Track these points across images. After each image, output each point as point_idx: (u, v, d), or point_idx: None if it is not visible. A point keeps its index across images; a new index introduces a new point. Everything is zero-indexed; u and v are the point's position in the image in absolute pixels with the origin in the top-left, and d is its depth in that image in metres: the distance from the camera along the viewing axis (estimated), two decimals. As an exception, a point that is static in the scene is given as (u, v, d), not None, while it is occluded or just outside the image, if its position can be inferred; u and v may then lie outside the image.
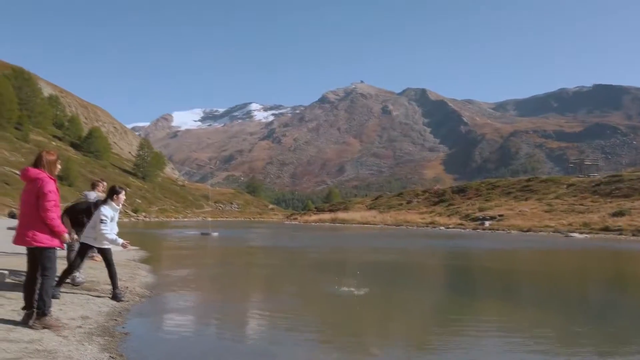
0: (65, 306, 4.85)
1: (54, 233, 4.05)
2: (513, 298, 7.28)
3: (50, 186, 4.07)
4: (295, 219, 73.68)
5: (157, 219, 67.42)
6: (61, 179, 66.92)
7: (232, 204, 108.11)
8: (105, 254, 5.57)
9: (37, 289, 4.00)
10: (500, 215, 35.40)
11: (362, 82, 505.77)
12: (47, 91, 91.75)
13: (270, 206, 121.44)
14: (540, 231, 28.46)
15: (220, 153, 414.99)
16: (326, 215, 61.98)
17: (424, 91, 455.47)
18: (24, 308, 4.10)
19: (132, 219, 61.01)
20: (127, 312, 5.00)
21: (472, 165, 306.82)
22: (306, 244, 20.62)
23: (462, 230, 33.10)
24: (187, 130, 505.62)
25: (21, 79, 76.97)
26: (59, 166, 4.27)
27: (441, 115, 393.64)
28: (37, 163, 4.17)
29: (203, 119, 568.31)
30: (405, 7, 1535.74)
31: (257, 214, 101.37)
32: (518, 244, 20.33)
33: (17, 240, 4.05)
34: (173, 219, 70.94)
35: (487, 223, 34.36)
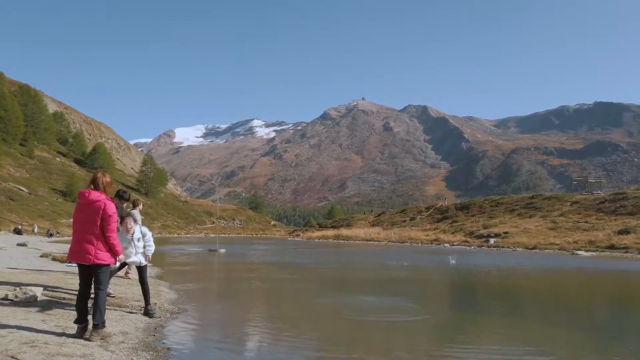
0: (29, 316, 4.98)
1: (113, 252, 4.29)
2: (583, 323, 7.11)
3: (113, 208, 4.33)
4: (298, 235, 73.59)
5: (159, 235, 67.42)
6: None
7: (234, 220, 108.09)
8: (142, 271, 5.78)
9: (92, 303, 4.26)
10: (505, 233, 35.42)
11: (363, 98, 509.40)
12: (52, 108, 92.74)
13: (273, 222, 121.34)
14: (546, 249, 28.47)
15: (222, 169, 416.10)
16: (329, 232, 61.91)
17: (425, 108, 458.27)
18: (76, 321, 4.29)
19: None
20: (162, 328, 5.15)
21: (474, 182, 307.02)
22: (321, 260, 20.70)
23: (467, 248, 33.10)
24: (190, 146, 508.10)
25: (27, 96, 77.91)
26: (110, 190, 4.52)
27: (442, 132, 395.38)
28: (96, 185, 4.38)
29: (205, 135, 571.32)
30: (407, 25, 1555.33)
31: (260, 230, 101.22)
32: (534, 260, 20.39)
33: (75, 257, 4.28)
34: (175, 235, 70.95)
35: (492, 240, 34.37)
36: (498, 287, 11.71)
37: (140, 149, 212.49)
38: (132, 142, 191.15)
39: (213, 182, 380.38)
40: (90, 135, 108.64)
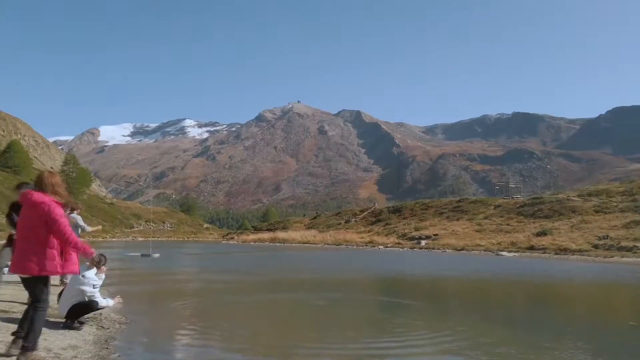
0: (48, 335, 4.68)
1: (87, 254, 3.98)
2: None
3: (61, 211, 3.83)
4: (232, 238, 72.39)
5: (82, 239, 63.38)
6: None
7: (164, 223, 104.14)
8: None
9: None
10: (435, 235, 37.13)
11: (299, 101, 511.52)
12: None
13: (205, 225, 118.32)
14: (473, 250, 30.21)
15: (151, 170, 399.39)
16: (265, 235, 61.55)
17: (359, 113, 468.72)
18: (14, 333, 3.92)
19: (56, 239, 57.05)
20: (113, 339, 4.90)
21: (404, 186, 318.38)
22: (266, 265, 20.51)
23: (400, 249, 34.32)
24: (116, 146, 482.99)
25: None
26: (62, 191, 3.95)
27: (375, 137, 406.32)
28: (41, 186, 3.89)
29: (133, 134, 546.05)
30: (341, 28, 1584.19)
31: (192, 233, 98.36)
32: (462, 264, 21.46)
33: (18, 269, 3.82)
34: (101, 239, 67.11)
35: (423, 242, 35.91)
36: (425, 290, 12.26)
37: (60, 147, 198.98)
38: (51, 139, 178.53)
39: (141, 184, 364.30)
40: (4, 131, 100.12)
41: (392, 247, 36.79)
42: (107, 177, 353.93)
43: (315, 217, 74.60)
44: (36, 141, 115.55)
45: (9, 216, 6.19)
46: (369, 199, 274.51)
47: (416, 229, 40.87)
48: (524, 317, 7.96)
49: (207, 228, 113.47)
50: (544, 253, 25.90)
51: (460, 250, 30.60)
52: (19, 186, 6.31)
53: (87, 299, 5.67)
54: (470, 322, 6.90)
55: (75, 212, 7.84)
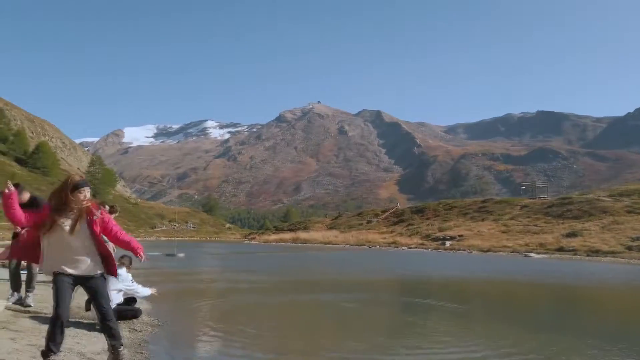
0: (81, 338, 4.60)
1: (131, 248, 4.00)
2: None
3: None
4: (254, 238, 72.75)
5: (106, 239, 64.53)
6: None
7: (187, 223, 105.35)
8: None
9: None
10: (460, 236, 36.50)
11: (319, 102, 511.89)
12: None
13: (227, 225, 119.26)
14: (500, 251, 29.55)
15: (173, 170, 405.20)
16: (286, 235, 61.62)
17: (379, 112, 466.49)
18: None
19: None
20: (147, 343, 4.78)
21: (425, 186, 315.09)
22: (290, 265, 20.41)
23: (425, 250, 33.84)
24: (139, 147, 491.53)
25: (-37, 90, 72.65)
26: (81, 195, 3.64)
27: (395, 137, 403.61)
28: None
29: (156, 136, 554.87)
30: (362, 27, 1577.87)
31: (214, 233, 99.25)
32: (490, 265, 20.97)
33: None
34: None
35: (447, 243, 35.33)
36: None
37: (86, 149, 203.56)
38: (77, 141, 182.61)
39: (164, 184, 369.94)
40: (33, 133, 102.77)
41: (415, 247, 36.31)
42: (131, 178, 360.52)
43: (336, 218, 74.38)
44: (63, 143, 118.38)
45: None
46: (389, 199, 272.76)
47: (440, 230, 40.28)
48: (575, 323, 7.52)
49: (229, 228, 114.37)
50: (574, 255, 25.14)
51: (487, 251, 29.97)
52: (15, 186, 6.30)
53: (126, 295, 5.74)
54: (516, 328, 6.59)
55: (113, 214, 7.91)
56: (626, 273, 16.78)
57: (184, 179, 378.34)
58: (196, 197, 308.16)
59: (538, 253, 26.90)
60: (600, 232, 28.06)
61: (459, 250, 32.25)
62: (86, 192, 3.68)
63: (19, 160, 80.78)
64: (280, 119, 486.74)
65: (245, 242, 67.06)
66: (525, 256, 25.87)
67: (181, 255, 24.59)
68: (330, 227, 63.53)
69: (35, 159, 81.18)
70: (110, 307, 3.73)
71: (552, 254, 26.32)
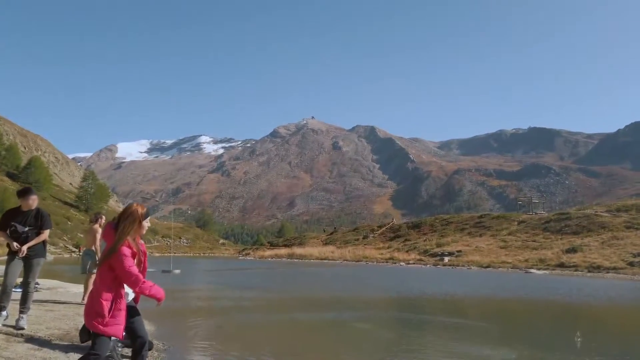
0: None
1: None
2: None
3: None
4: (248, 254, 71.95)
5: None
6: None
7: (180, 238, 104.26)
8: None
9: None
10: (458, 251, 36.15)
11: (313, 117, 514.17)
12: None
13: (221, 241, 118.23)
14: (499, 267, 29.22)
15: (167, 185, 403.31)
16: (282, 251, 60.98)
17: (372, 128, 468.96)
18: None
19: (74, 255, 57.16)
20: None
21: (419, 201, 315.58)
22: (290, 282, 19.95)
23: (423, 266, 33.43)
24: (132, 162, 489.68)
25: (-45, 104, 72.00)
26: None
27: (389, 152, 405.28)
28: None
29: (150, 151, 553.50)
30: (354, 45, 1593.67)
31: (208, 249, 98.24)
32: (493, 282, 20.62)
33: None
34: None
35: (446, 259, 34.96)
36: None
37: (79, 164, 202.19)
38: (70, 156, 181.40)
39: (157, 199, 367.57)
40: (25, 148, 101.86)
41: (414, 263, 35.89)
42: (124, 193, 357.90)
43: (332, 233, 73.86)
44: (56, 157, 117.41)
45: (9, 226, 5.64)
46: (384, 214, 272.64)
47: (438, 245, 39.91)
48: (573, 341, 7.18)
49: (222, 243, 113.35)
50: (575, 271, 24.85)
51: (487, 267, 29.62)
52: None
53: None
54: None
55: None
56: (630, 290, 16.49)
57: (178, 194, 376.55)
58: (189, 212, 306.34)
59: (539, 269, 26.59)
60: (600, 248, 27.85)
61: (457, 266, 31.87)
62: (149, 223, 3.41)
63: (10, 175, 79.88)
64: (274, 134, 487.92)
65: (240, 257, 66.29)
66: (527, 272, 25.55)
67: (177, 271, 24.03)
68: (326, 243, 62.99)
69: (27, 173, 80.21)
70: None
71: (553, 269, 26.01)
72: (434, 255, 37.22)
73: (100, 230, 8.86)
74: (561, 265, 26.49)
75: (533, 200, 54.14)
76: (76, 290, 11.15)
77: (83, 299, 8.94)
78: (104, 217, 9.35)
